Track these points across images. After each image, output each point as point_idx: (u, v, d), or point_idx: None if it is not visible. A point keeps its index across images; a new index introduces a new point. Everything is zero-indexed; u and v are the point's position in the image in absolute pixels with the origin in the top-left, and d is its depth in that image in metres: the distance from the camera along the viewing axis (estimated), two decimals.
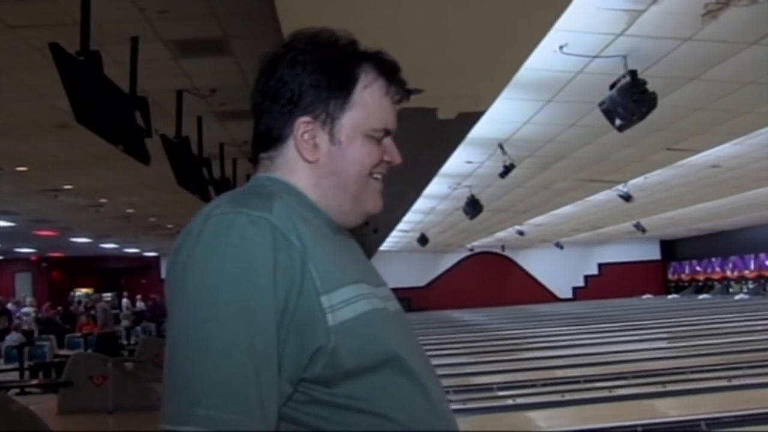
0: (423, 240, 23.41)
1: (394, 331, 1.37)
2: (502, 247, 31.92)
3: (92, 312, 18.11)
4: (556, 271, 33.25)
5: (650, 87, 6.69)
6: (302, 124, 1.41)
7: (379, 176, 1.47)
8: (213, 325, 1.20)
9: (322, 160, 1.41)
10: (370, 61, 1.44)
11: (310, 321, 1.25)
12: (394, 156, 1.47)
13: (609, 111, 6.99)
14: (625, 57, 6.63)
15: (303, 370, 1.26)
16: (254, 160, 1.50)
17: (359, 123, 1.42)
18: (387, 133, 1.46)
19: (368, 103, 1.42)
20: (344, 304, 1.28)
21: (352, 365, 1.27)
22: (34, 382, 11.84)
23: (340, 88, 1.41)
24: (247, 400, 1.19)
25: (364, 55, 1.44)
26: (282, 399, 1.25)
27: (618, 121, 6.97)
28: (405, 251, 28.90)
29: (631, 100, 6.67)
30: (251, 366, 1.19)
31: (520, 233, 23.97)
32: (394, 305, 1.44)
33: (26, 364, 12.68)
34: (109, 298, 23.22)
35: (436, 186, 13.53)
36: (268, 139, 1.44)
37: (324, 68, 1.40)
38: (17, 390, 10.92)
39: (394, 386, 1.31)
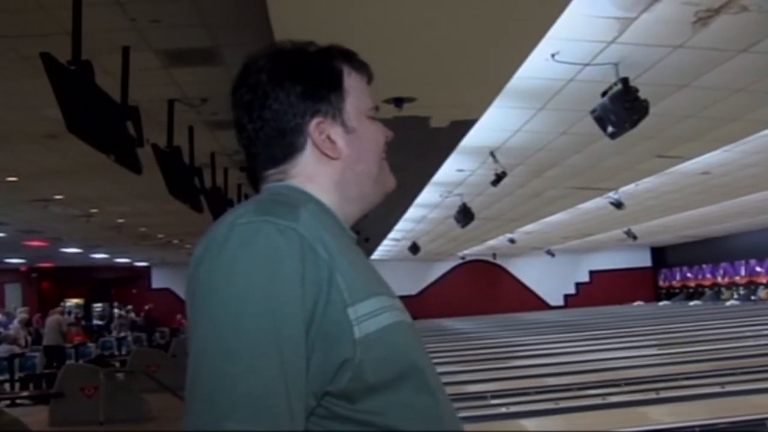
0: (414, 248, 23.40)
1: (414, 343, 1.36)
2: (494, 255, 31.90)
3: (83, 323, 18.05)
4: (548, 278, 33.26)
5: (642, 94, 6.71)
6: (316, 127, 1.42)
7: (384, 154, 1.50)
8: (241, 336, 1.17)
9: (345, 152, 1.43)
10: (333, 52, 1.48)
11: (337, 333, 1.23)
12: (387, 131, 1.52)
13: (601, 118, 7.00)
14: (616, 65, 6.64)
15: (329, 383, 1.23)
16: (254, 181, 1.48)
17: (358, 107, 1.46)
18: (376, 109, 1.51)
19: (356, 87, 1.47)
20: (369, 316, 1.26)
21: (376, 379, 1.25)
22: (25, 393, 11.77)
23: (332, 80, 1.44)
24: (278, 414, 1.16)
25: (326, 50, 1.48)
26: (305, 413, 1.22)
27: (610, 129, 6.98)
28: (396, 260, 28.89)
29: (622, 107, 6.68)
30: (281, 378, 1.17)
31: (511, 241, 23.98)
32: (408, 317, 1.42)
33: (16, 375, 12.61)
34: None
35: (427, 194, 13.53)
36: (277, 155, 1.44)
37: (312, 66, 1.44)
38: (8, 402, 10.85)
39: (411, 400, 1.29)
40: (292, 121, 1.41)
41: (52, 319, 16.47)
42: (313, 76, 1.43)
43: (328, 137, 1.42)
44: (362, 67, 1.50)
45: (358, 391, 1.24)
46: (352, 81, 1.46)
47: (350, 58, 1.49)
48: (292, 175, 1.43)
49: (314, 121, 1.41)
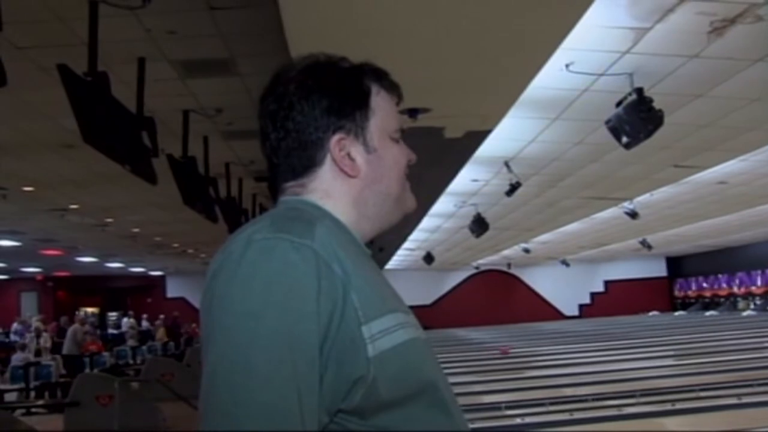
0: (429, 258, 23.39)
1: (429, 359, 1.36)
2: (508, 265, 31.85)
3: (98, 331, 18.10)
4: (563, 288, 33.17)
5: (656, 104, 6.69)
6: (337, 143, 1.41)
7: (405, 176, 1.50)
8: (257, 350, 1.17)
9: (363, 170, 1.42)
10: (364, 70, 1.47)
11: (351, 351, 1.23)
12: (411, 154, 1.51)
13: (615, 129, 6.98)
14: (631, 75, 6.62)
15: (342, 400, 1.23)
16: (274, 191, 1.49)
17: (383, 127, 1.45)
18: (402, 132, 1.50)
19: (383, 107, 1.46)
20: (383, 333, 1.26)
21: (389, 396, 1.25)
22: (40, 402, 11.80)
23: (359, 98, 1.43)
24: (292, 428, 1.16)
25: (358, 67, 1.47)
26: (318, 428, 1.21)
27: (625, 139, 6.96)
28: (411, 270, 28.88)
29: (637, 117, 6.67)
30: (295, 393, 1.17)
31: (526, 251, 23.93)
32: (423, 332, 1.41)
33: (32, 384, 12.64)
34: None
35: (442, 204, 13.53)
36: (298, 167, 1.43)
37: (340, 83, 1.42)
38: (23, 410, 10.89)
39: (426, 417, 1.29)
40: (314, 134, 1.40)
41: (73, 328, 16.54)
42: (340, 91, 1.42)
43: (348, 155, 1.41)
44: (393, 88, 1.49)
45: (371, 407, 1.24)
46: (380, 101, 1.45)
47: (382, 77, 1.48)
48: (311, 189, 1.43)
49: (336, 137, 1.40)
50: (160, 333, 23.75)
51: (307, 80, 1.42)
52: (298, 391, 1.17)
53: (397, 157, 1.46)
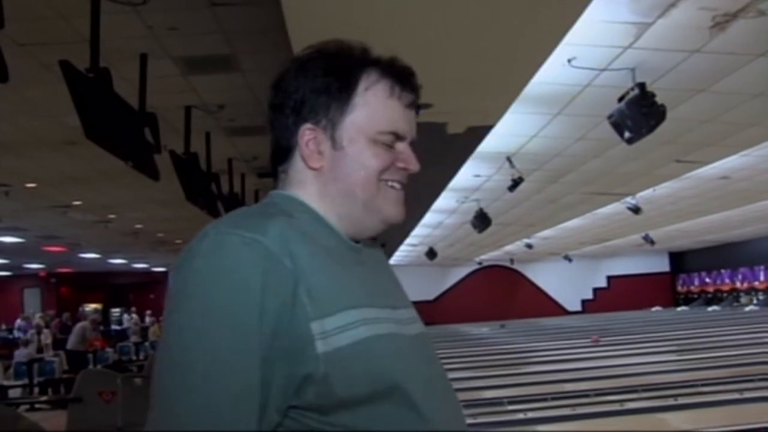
0: (431, 254, 23.40)
1: (405, 357, 1.32)
2: (511, 261, 31.86)
3: (101, 328, 18.12)
4: (565, 284, 33.18)
5: (658, 99, 6.69)
6: (306, 132, 1.38)
7: (396, 184, 1.42)
8: (199, 346, 1.19)
9: (326, 166, 1.39)
10: (376, 65, 1.41)
11: (300, 347, 1.21)
12: (409, 163, 1.43)
13: (618, 124, 6.98)
14: (633, 70, 6.62)
15: (292, 397, 1.23)
16: (274, 175, 1.48)
17: (362, 125, 1.38)
18: (398, 137, 1.41)
19: (371, 104, 1.38)
20: (340, 330, 1.24)
21: (347, 394, 1.23)
22: (44, 398, 11.83)
23: (340, 90, 1.37)
24: (226, 425, 1.17)
25: (371, 60, 1.41)
26: (270, 427, 1.22)
27: (627, 134, 6.96)
28: (413, 265, 28.87)
29: (639, 112, 6.66)
30: (231, 389, 1.18)
31: (529, 246, 23.93)
32: (416, 328, 1.42)
33: (35, 380, 12.68)
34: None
35: (444, 200, 13.53)
36: (279, 151, 1.43)
37: (325, 73, 1.38)
38: (27, 406, 10.92)
39: (391, 417, 1.26)
40: (287, 120, 1.40)
41: (81, 325, 16.57)
42: (323, 81, 1.38)
43: (317, 147, 1.39)
44: (399, 87, 1.41)
45: (330, 405, 1.23)
46: (369, 98, 1.39)
47: (394, 73, 1.41)
48: (291, 176, 1.43)
49: (305, 126, 1.39)
50: (154, 329, 23.69)
51: (305, 63, 1.40)
52: (235, 389, 1.18)
53: (364, 161, 1.38)
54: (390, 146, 1.40)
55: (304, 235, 1.30)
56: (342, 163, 1.38)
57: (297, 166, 1.41)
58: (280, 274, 1.22)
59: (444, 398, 1.39)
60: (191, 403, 1.17)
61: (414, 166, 1.43)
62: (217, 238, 1.26)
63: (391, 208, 1.42)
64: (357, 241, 1.43)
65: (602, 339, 17.25)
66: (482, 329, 24.30)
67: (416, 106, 1.45)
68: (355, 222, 1.40)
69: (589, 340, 17.46)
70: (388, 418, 1.26)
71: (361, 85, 1.38)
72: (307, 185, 1.40)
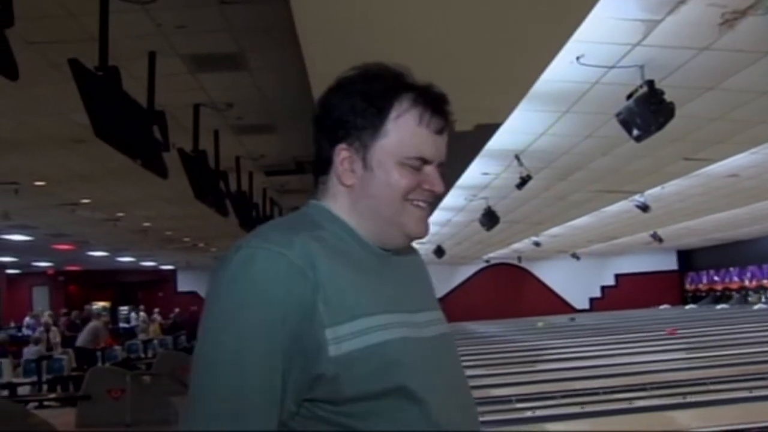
0: (439, 252, 23.36)
1: (415, 358, 1.44)
2: (519, 259, 31.83)
3: (109, 326, 18.15)
4: (573, 282, 33.12)
5: (667, 97, 6.67)
6: (341, 151, 1.51)
7: (420, 203, 1.54)
8: (225, 349, 1.36)
9: (357, 184, 1.52)
10: (410, 91, 1.51)
11: (315, 350, 1.36)
12: (434, 185, 1.54)
13: (626, 121, 6.96)
14: (642, 67, 6.60)
15: (306, 392, 1.38)
16: (315, 184, 1.62)
17: (390, 150, 1.49)
18: (425, 161, 1.51)
19: (400, 131, 1.50)
20: (352, 336, 1.38)
21: (355, 392, 1.37)
22: (53, 395, 11.87)
23: (373, 116, 1.49)
24: (245, 421, 1.33)
25: (405, 86, 1.52)
26: (287, 416, 1.38)
27: (635, 132, 6.94)
28: None
29: (648, 110, 6.64)
30: (252, 387, 1.34)
31: (537, 244, 23.90)
32: (438, 329, 1.56)
33: (44, 377, 12.71)
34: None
35: (452, 198, 13.51)
36: (319, 164, 1.57)
37: (362, 98, 1.49)
38: (36, 403, 10.95)
39: (395, 411, 1.39)
40: (327, 136, 1.53)
41: (93, 325, 16.62)
42: (359, 105, 1.49)
43: (350, 165, 1.52)
44: (428, 115, 1.51)
45: (339, 399, 1.38)
46: (400, 124, 1.50)
47: (425, 101, 1.51)
48: (327, 189, 1.56)
49: (339, 146, 1.51)
50: (154, 328, 23.71)
51: (339, 86, 1.53)
52: (256, 388, 1.35)
53: (394, 182, 1.50)
54: (417, 169, 1.51)
55: (329, 247, 1.45)
56: (371, 183, 1.51)
57: (332, 181, 1.55)
58: (301, 284, 1.37)
59: (455, 397, 1.52)
60: (220, 393, 1.34)
61: (439, 188, 1.55)
62: (249, 251, 1.40)
63: (415, 225, 1.55)
64: (389, 249, 1.56)
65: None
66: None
67: (442, 129, 1.55)
68: (381, 235, 1.53)
69: (598, 338, 17.43)
70: (393, 412, 1.39)
71: (393, 113, 1.50)
72: (339, 199, 1.54)
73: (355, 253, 1.49)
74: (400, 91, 1.50)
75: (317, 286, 1.38)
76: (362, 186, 1.51)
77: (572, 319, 26.11)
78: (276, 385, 1.35)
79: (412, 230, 1.54)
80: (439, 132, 1.53)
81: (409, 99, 1.50)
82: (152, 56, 5.72)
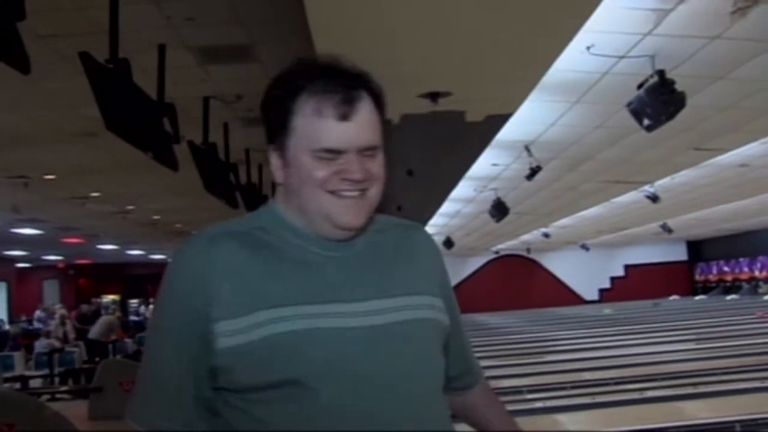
0: (448, 243, 23.35)
1: (332, 349, 1.47)
2: (528, 250, 31.80)
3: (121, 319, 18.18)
4: (582, 273, 33.07)
5: (678, 86, 6.64)
6: (271, 152, 1.59)
7: (345, 193, 1.53)
8: (153, 337, 1.63)
9: (286, 182, 1.58)
10: (310, 83, 1.52)
11: (209, 342, 1.47)
12: (348, 173, 1.51)
13: (637, 111, 6.94)
14: (652, 57, 6.57)
15: (214, 380, 1.50)
16: None
17: (299, 146, 1.52)
18: (333, 152, 1.51)
19: (305, 126, 1.51)
20: (243, 330, 1.46)
21: (250, 382, 1.47)
22: (65, 388, 11.91)
23: (282, 116, 1.53)
24: (166, 404, 1.55)
25: (309, 78, 1.52)
26: (211, 403, 1.53)
27: (646, 122, 6.92)
28: None
29: (659, 100, 6.62)
30: (167, 372, 1.54)
31: (546, 235, 23.87)
32: (391, 317, 1.55)
33: (56, 370, 12.75)
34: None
35: (462, 189, 13.50)
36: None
37: (273, 100, 1.56)
38: (48, 396, 10.99)
39: (287, 400, 1.46)
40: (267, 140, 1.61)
41: (107, 319, 16.67)
42: (273, 107, 1.56)
43: (278, 164, 1.58)
44: (328, 105, 1.50)
45: (238, 388, 1.48)
46: (301, 120, 1.51)
47: (321, 91, 1.51)
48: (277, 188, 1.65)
49: (270, 147, 1.59)
50: None
51: (264, 92, 1.60)
52: (162, 372, 1.55)
53: (309, 176, 1.52)
54: (332, 159, 1.51)
55: (254, 243, 1.55)
56: (293, 180, 1.55)
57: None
58: (201, 281, 1.50)
59: (393, 386, 1.51)
60: (147, 370, 1.59)
61: (353, 175, 1.52)
62: (179, 249, 1.59)
63: (340, 215, 1.54)
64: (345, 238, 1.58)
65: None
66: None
67: (345, 115, 1.51)
68: (315, 227, 1.56)
69: (607, 328, 17.41)
70: (285, 401, 1.46)
71: (296, 109, 1.52)
72: (278, 196, 1.63)
73: (287, 247, 1.55)
74: (302, 85, 1.52)
75: (218, 282, 1.49)
76: (288, 183, 1.56)
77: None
78: (186, 373, 1.51)
79: (340, 221, 1.54)
80: (343, 118, 1.50)
81: (308, 92, 1.51)
82: (162, 48, 5.71)
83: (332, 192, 1.51)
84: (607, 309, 24.11)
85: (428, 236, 1.78)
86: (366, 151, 1.53)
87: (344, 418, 1.45)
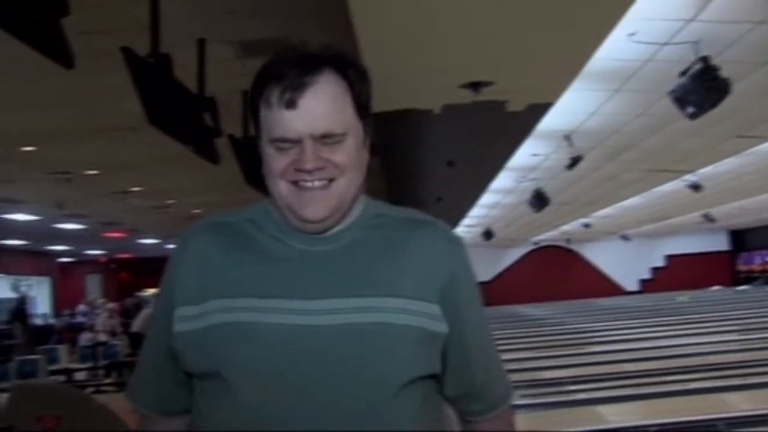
0: (488, 234, 23.30)
1: (270, 345, 1.42)
2: (567, 240, 31.61)
3: None
4: (623, 263, 32.81)
5: (722, 73, 6.54)
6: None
7: (306, 183, 1.47)
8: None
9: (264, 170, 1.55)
10: (267, 79, 1.49)
11: (171, 327, 1.53)
12: (299, 162, 1.46)
13: (680, 99, 6.84)
14: (696, 43, 6.48)
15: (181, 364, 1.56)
16: None
17: (263, 138, 1.50)
18: (288, 141, 1.46)
19: (266, 117, 1.49)
20: (193, 317, 1.49)
21: (192, 369, 1.53)
22: (108, 380, 12.04)
23: (253, 114, 1.53)
24: (145, 383, 1.67)
25: (264, 76, 1.51)
26: (188, 384, 1.58)
27: (689, 109, 6.82)
28: (470, 246, 28.46)
29: (702, 87, 6.53)
30: (148, 353, 1.66)
31: (586, 226, 23.71)
32: (346, 318, 1.43)
33: (100, 363, 12.91)
34: None
35: (502, 180, 13.46)
36: None
37: (250, 95, 1.55)
38: (93, 388, 11.12)
39: (215, 393, 1.48)
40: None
41: (147, 312, 16.86)
42: (250, 101, 1.56)
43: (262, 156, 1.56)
44: (274, 94, 1.47)
45: (193, 374, 1.55)
46: (261, 112, 1.49)
47: (267, 81, 1.50)
48: None
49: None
50: None
51: None
52: (149, 357, 1.65)
53: (270, 165, 1.49)
54: (288, 149, 1.46)
55: (230, 234, 1.56)
56: (264, 171, 1.53)
57: None
58: (174, 268, 1.56)
59: (302, 398, 1.41)
60: (141, 352, 1.69)
61: (304, 165, 1.46)
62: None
63: (302, 208, 1.48)
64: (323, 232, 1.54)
65: None
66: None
67: (291, 101, 1.46)
68: (287, 219, 1.52)
69: (649, 319, 17.26)
70: (213, 393, 1.48)
71: (258, 105, 1.51)
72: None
73: (265, 240, 1.53)
74: (264, 78, 1.50)
75: (185, 270, 1.54)
76: (264, 173, 1.53)
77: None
78: (166, 358, 1.57)
79: (301, 213, 1.48)
80: (289, 106, 1.44)
81: (268, 83, 1.48)
82: (201, 43, 5.73)
83: (294, 183, 1.47)
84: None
85: (440, 235, 1.63)
86: (324, 139, 1.45)
87: (262, 422, 1.40)
